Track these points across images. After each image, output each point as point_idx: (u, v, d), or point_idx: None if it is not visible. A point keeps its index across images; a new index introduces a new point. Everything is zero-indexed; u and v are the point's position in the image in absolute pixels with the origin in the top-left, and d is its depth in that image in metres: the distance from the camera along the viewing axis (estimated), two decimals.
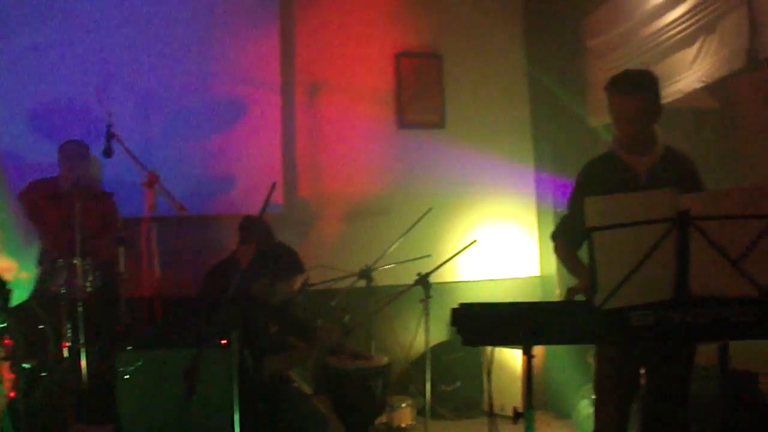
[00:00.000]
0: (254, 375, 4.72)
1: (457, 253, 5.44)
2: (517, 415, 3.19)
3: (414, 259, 5.47)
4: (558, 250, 3.94)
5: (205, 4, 6.20)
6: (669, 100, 5.51)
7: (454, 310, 3.07)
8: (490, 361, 2.95)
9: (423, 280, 5.17)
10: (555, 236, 3.95)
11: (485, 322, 3.08)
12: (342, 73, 6.60)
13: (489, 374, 3.36)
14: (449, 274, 6.31)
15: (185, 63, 6.11)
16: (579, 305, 3.25)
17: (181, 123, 6.08)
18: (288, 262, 4.88)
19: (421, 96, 6.71)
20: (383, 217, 6.41)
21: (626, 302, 2.92)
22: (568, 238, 3.85)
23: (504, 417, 5.77)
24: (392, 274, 5.53)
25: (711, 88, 6.36)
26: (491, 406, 4.41)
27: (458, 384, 6.02)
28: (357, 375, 4.87)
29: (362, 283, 5.41)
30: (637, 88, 3.62)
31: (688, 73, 5.33)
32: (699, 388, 4.92)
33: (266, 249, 5.17)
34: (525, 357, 3.19)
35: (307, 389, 5.00)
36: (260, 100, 6.28)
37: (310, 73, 6.53)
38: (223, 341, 4.42)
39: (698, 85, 5.26)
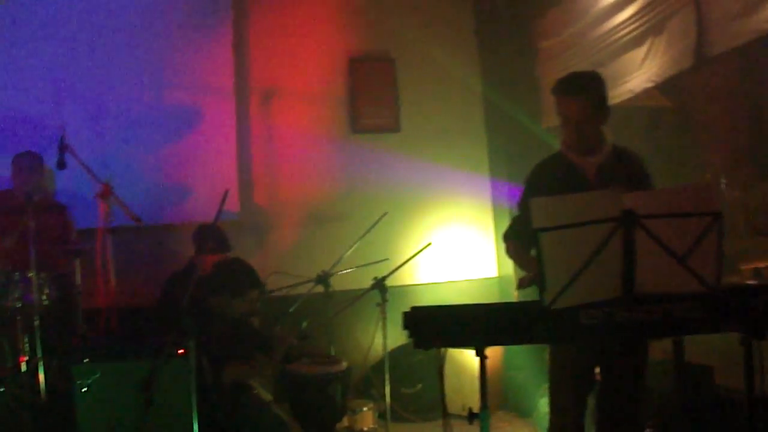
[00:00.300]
0: (213, 383, 4.71)
1: (412, 257, 5.44)
2: (471, 416, 3.20)
3: (371, 264, 5.47)
4: (509, 250, 3.95)
5: (157, 13, 6.16)
6: (620, 100, 5.59)
7: (406, 314, 3.07)
8: (442, 363, 2.97)
9: (379, 284, 5.17)
10: (506, 237, 3.96)
11: (436, 325, 3.09)
12: (296, 79, 6.60)
13: (441, 375, 3.38)
14: (408, 277, 6.35)
15: (138, 73, 6.07)
16: (529, 306, 3.27)
17: (135, 133, 6.03)
18: (245, 279, 4.86)
19: (375, 100, 6.72)
20: (340, 222, 6.40)
21: (575, 301, 2.94)
22: (519, 238, 3.86)
23: (462, 417, 5.79)
24: (350, 278, 5.51)
25: (664, 87, 6.48)
26: (445, 406, 4.43)
27: (420, 386, 6.01)
28: (316, 380, 4.86)
29: (320, 288, 5.39)
30: (582, 89, 3.64)
31: (638, 73, 5.38)
32: (656, 382, 4.99)
33: (224, 262, 5.16)
34: (478, 358, 3.25)
35: (267, 396, 4.98)
36: (214, 108, 6.25)
37: (264, 79, 6.52)
38: (181, 351, 4.41)
39: (648, 85, 5.32)
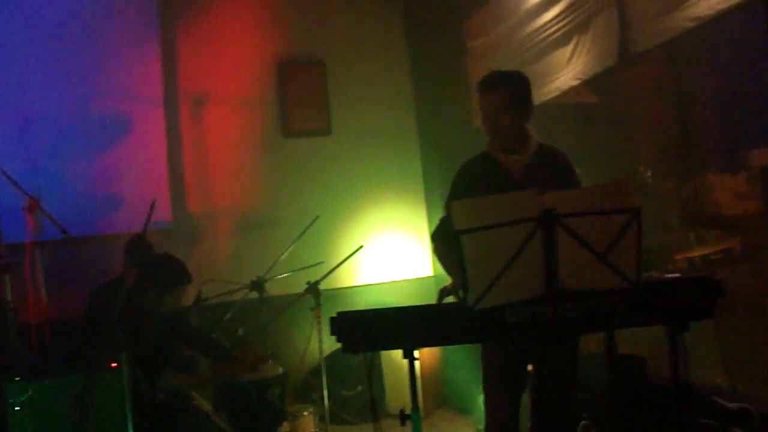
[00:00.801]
0: (149, 394, 4.62)
1: (344, 260, 5.39)
2: (403, 417, 3.20)
3: (306, 267, 5.41)
4: (437, 251, 3.94)
5: (83, 23, 6.01)
6: (547, 98, 5.62)
7: (333, 320, 3.09)
8: (370, 366, 2.96)
9: (312, 288, 5.12)
10: (434, 237, 3.95)
11: (363, 329, 3.09)
12: (225, 85, 6.51)
13: (370, 379, 3.38)
14: (345, 279, 6.33)
15: (65, 82, 5.92)
16: (456, 307, 3.28)
17: (63, 143, 5.88)
18: (173, 272, 4.76)
19: (305, 104, 6.65)
20: (274, 227, 6.33)
21: (499, 301, 2.94)
22: (446, 239, 3.86)
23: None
24: (286, 283, 5.40)
25: (593, 84, 6.55)
26: (375, 410, 4.45)
27: (359, 388, 5.98)
28: (252, 387, 4.79)
29: (256, 294, 5.32)
30: (499, 84, 3.65)
31: (565, 71, 5.42)
32: (589, 374, 5.04)
33: (152, 260, 5.06)
34: (407, 360, 3.24)
35: (206, 406, 4.91)
36: (143, 117, 6.12)
37: (193, 87, 6.42)
38: (113, 364, 4.31)
39: (574, 83, 5.36)
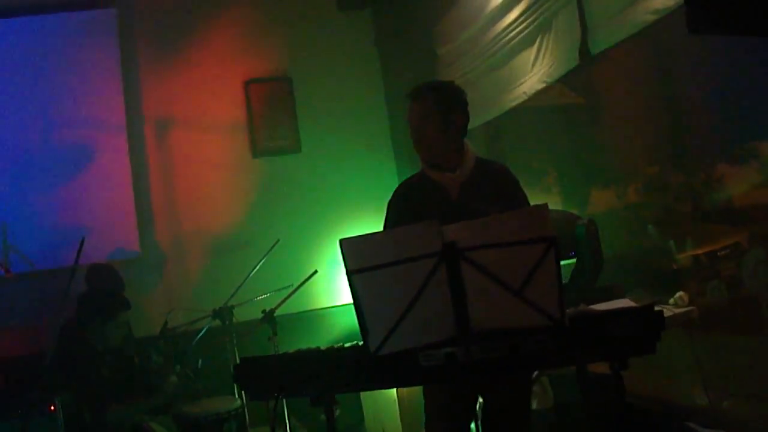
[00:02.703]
0: (96, 428, 4.27)
1: (299, 286, 4.92)
2: None
3: (270, 293, 5.00)
4: None
5: (42, 52, 5.67)
6: (515, 103, 5.17)
7: (236, 367, 2.80)
8: (273, 416, 2.60)
9: (269, 317, 4.69)
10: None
11: (269, 376, 2.76)
12: (191, 107, 6.11)
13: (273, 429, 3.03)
14: (318, 300, 5.88)
15: (25, 113, 5.59)
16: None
17: (25, 174, 5.55)
18: (109, 300, 4.39)
19: (273, 122, 6.22)
20: (244, 251, 5.75)
21: (406, 345, 2.52)
22: None
23: None
24: (252, 310, 4.96)
25: (574, 84, 6.07)
26: None
27: (338, 412, 5.51)
28: (209, 419, 4.41)
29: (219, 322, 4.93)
30: (423, 94, 3.21)
31: (531, 74, 4.95)
32: (562, 394, 4.60)
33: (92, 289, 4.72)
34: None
35: None
36: (107, 144, 5.74)
37: (157, 111, 6.05)
38: (51, 407, 3.99)
39: (540, 86, 4.88)
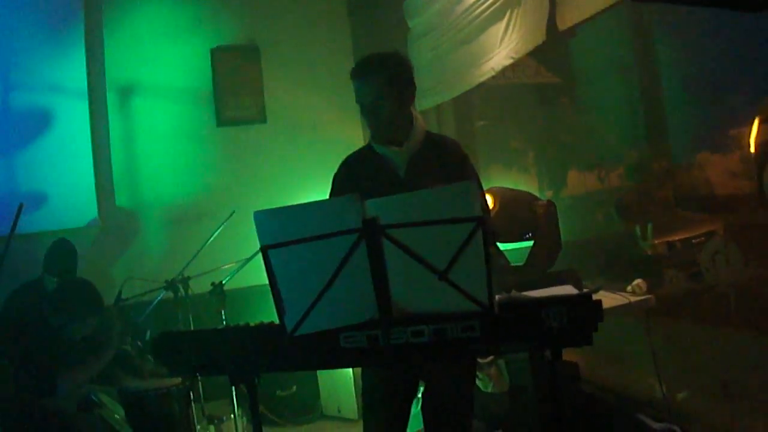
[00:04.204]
0: (39, 406, 4.06)
1: (249, 259, 4.66)
2: None
3: (233, 263, 4.77)
4: None
5: (3, 13, 5.35)
6: (483, 78, 4.92)
7: (154, 340, 2.60)
8: (188, 392, 2.42)
9: (217, 290, 4.48)
10: None
11: (187, 352, 2.57)
12: (156, 74, 5.85)
13: (189, 402, 2.85)
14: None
15: None
16: None
17: None
18: (83, 302, 4.16)
19: (239, 91, 5.97)
20: (207, 221, 5.44)
21: (325, 326, 2.34)
22: None
23: (338, 419, 5.25)
24: (210, 281, 4.70)
25: (552, 63, 5.85)
26: None
27: (294, 388, 5.33)
28: (153, 395, 4.21)
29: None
30: (375, 70, 2.99)
31: (499, 50, 4.71)
32: (520, 381, 4.41)
33: (69, 282, 4.50)
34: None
35: (118, 411, 4.34)
36: (67, 109, 5.47)
37: (120, 77, 5.78)
38: None
39: (507, 62, 4.65)
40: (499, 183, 4.67)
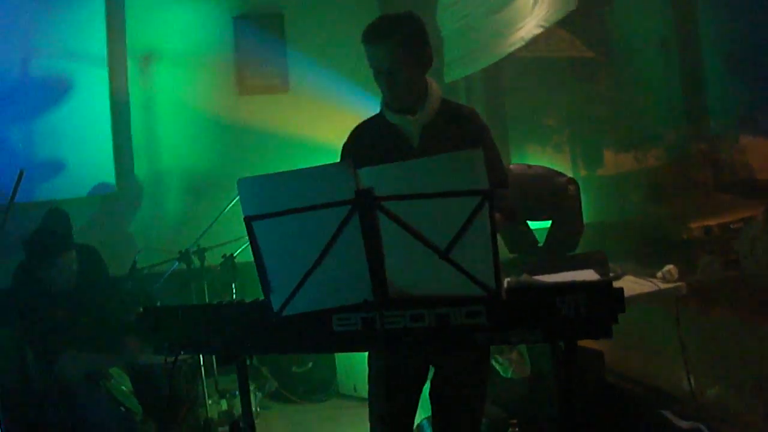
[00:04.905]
0: (43, 379, 3.93)
1: None
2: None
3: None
4: None
5: None
6: (512, 48, 4.64)
7: (138, 316, 2.64)
8: (170, 372, 2.23)
9: (228, 262, 4.29)
10: None
11: (173, 328, 2.43)
12: (177, 42, 5.64)
13: (174, 383, 2.68)
14: None
15: (2, 41, 5.10)
16: None
17: (1, 105, 5.09)
18: (49, 237, 4.00)
19: (262, 60, 5.74)
20: (226, 191, 5.24)
21: (314, 306, 2.11)
22: None
23: (354, 398, 5.05)
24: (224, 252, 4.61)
25: (587, 36, 5.53)
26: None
27: (310, 365, 5.14)
28: (161, 369, 4.04)
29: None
30: (388, 34, 2.70)
31: (529, 19, 4.43)
32: (542, 367, 4.16)
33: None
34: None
35: (127, 384, 4.18)
36: (87, 77, 5.31)
37: (141, 44, 5.60)
38: None
39: (537, 31, 4.37)
40: (531, 161, 4.39)
